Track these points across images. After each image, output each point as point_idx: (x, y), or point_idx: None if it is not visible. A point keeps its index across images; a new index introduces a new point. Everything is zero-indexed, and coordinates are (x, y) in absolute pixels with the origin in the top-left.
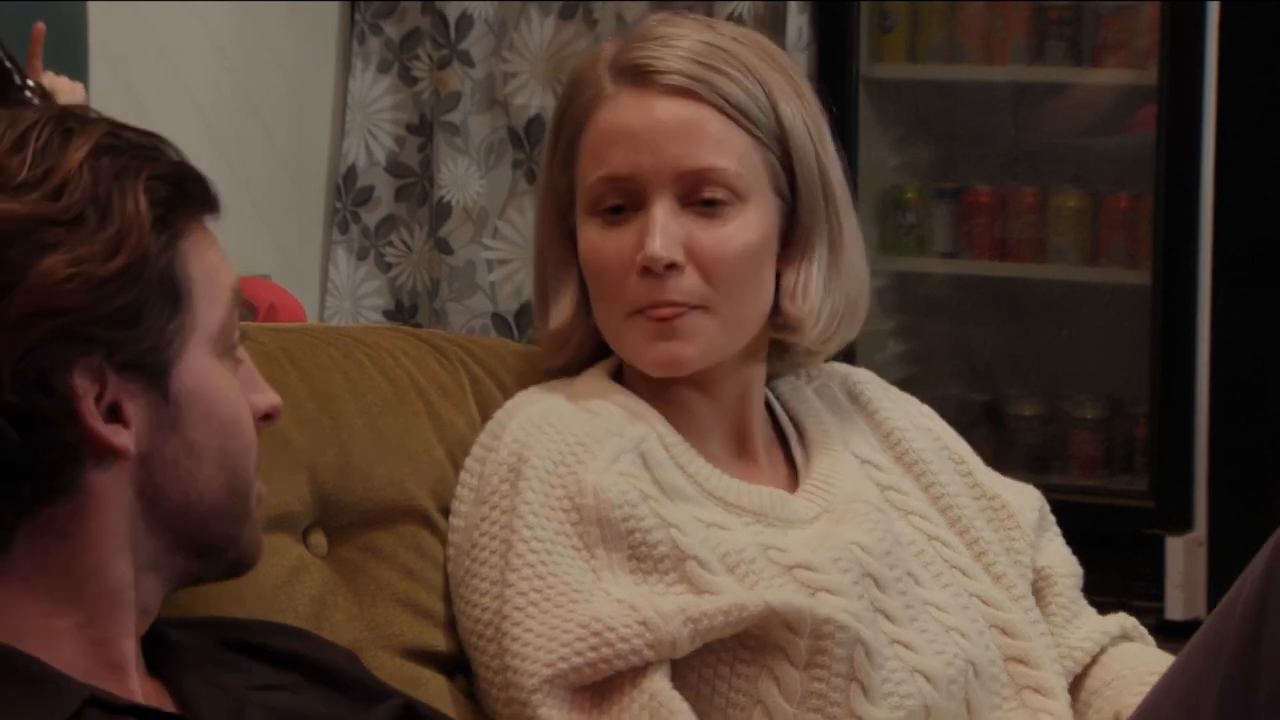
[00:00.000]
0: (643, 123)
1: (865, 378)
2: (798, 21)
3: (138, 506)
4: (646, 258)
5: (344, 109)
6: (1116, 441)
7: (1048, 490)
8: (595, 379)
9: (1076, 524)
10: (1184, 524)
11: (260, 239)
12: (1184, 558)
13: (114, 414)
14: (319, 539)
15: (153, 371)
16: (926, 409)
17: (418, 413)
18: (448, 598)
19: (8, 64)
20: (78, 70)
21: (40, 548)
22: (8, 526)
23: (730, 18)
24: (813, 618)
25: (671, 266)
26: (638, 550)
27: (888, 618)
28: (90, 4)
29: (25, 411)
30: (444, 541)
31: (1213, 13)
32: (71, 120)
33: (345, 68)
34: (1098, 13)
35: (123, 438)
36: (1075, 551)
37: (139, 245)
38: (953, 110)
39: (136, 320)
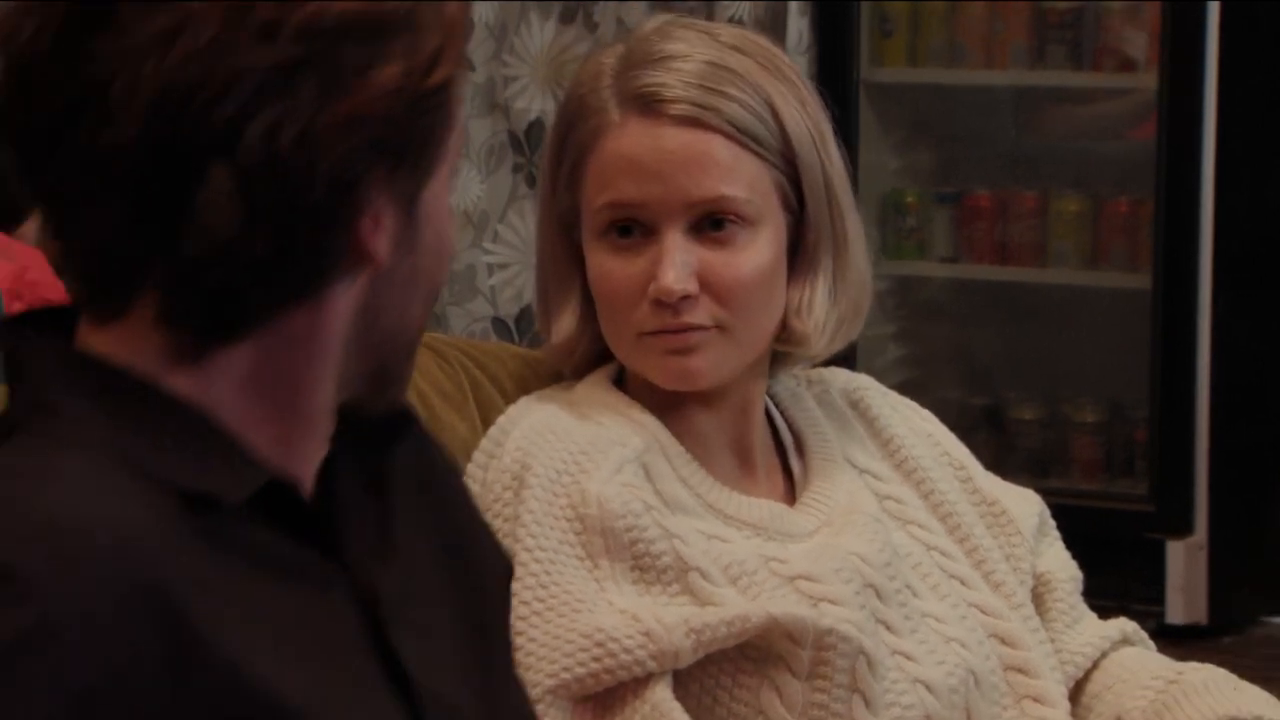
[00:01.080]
0: (651, 154)
1: (866, 384)
2: (798, 24)
3: (356, 328)
4: (660, 290)
5: None
6: (1117, 445)
7: (1048, 494)
8: (597, 386)
9: (1077, 528)
10: (1184, 528)
11: None
12: (1184, 562)
13: (376, 225)
14: None
15: (414, 189)
16: (927, 414)
17: (419, 417)
18: None
19: None
20: None
21: (266, 353)
22: (248, 323)
23: (730, 20)
24: (815, 628)
25: (685, 297)
26: (641, 561)
27: (888, 628)
28: None
29: (318, 209)
30: None
31: (1213, 16)
32: None
33: None
34: (1098, 16)
35: (382, 250)
36: (1075, 555)
37: (455, 61)
38: (953, 114)
39: (430, 139)
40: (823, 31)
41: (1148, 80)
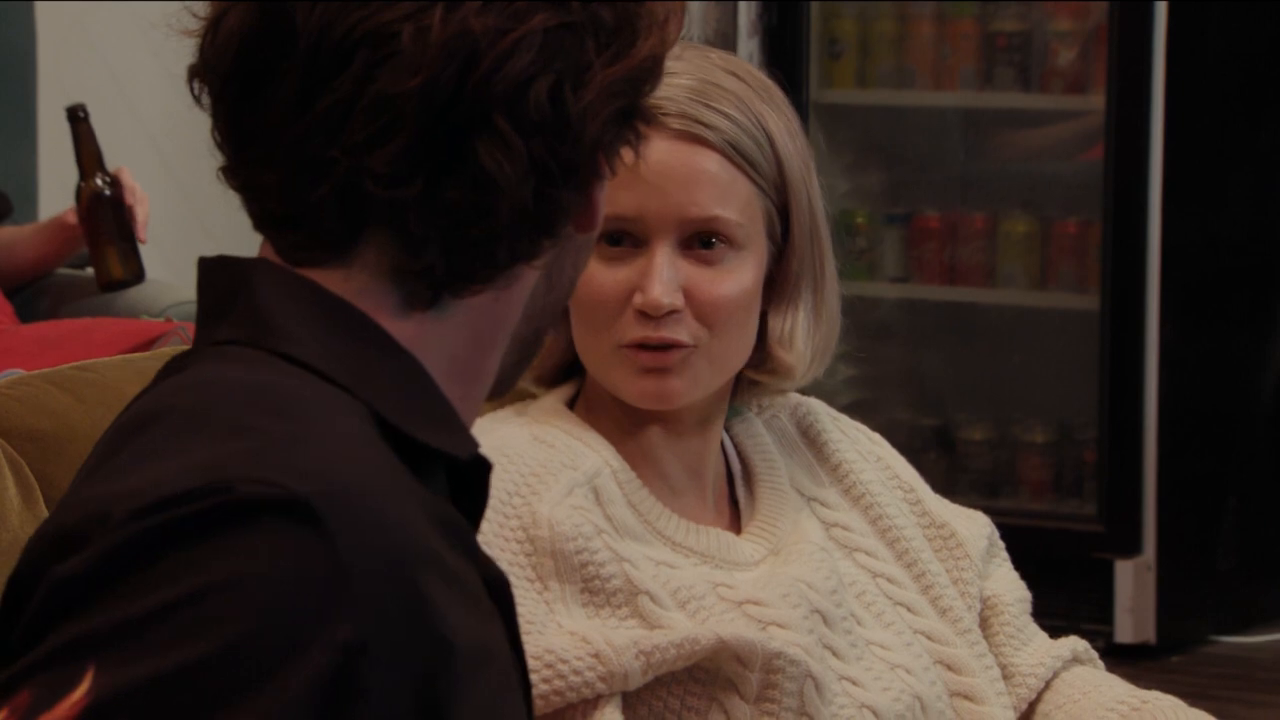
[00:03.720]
0: (650, 166)
1: (814, 407)
2: (748, 46)
3: (537, 290)
4: (647, 303)
5: None
6: (1066, 466)
7: (997, 515)
8: (550, 408)
9: (1026, 548)
10: (1133, 548)
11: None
12: (1133, 581)
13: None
14: None
15: (593, 179)
16: (876, 436)
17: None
18: None
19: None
20: (26, 96)
21: (481, 310)
22: (488, 276)
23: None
24: (764, 651)
25: (671, 312)
26: (591, 584)
27: (834, 654)
28: (40, 30)
29: (579, 170)
30: None
31: (1160, 39)
32: None
33: None
34: (1046, 39)
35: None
36: (1024, 575)
37: (658, 67)
38: (903, 135)
39: (618, 134)
40: (772, 53)
41: (1095, 102)
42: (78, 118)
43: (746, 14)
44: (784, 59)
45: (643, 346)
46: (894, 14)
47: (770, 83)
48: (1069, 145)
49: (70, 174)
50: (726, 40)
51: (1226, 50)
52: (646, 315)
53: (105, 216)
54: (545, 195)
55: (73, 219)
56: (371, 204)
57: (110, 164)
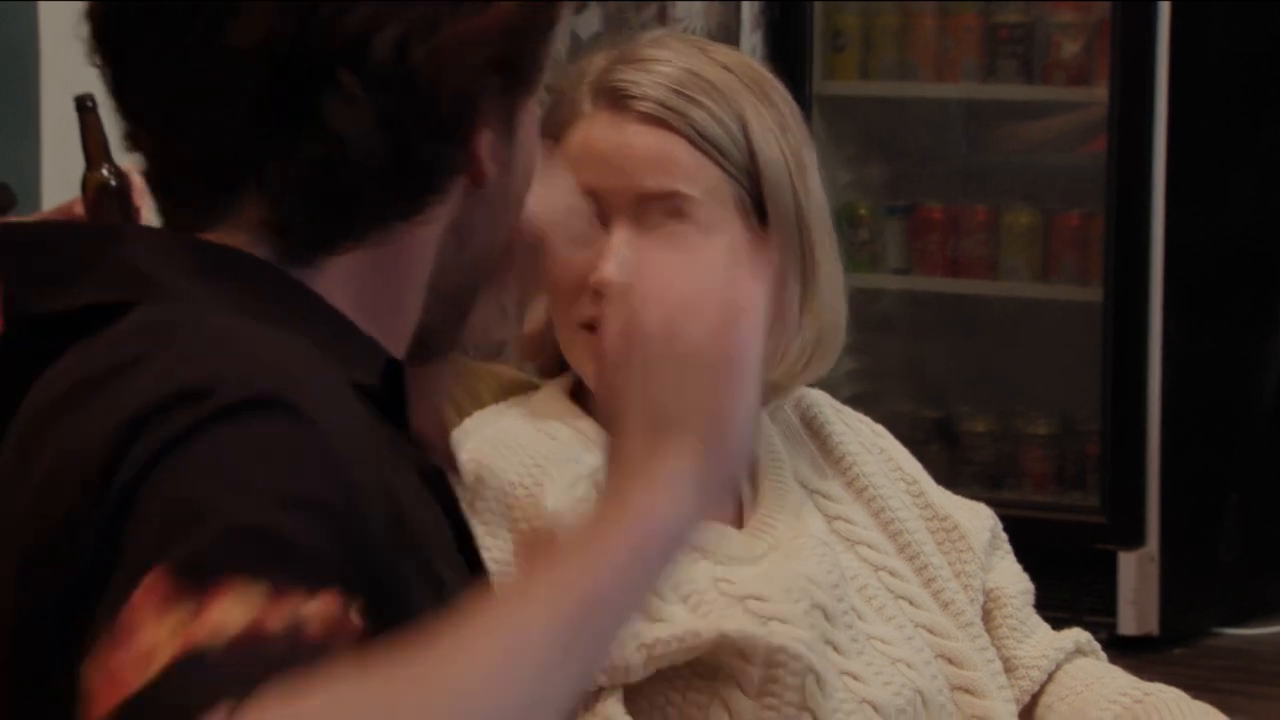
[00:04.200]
0: (613, 146)
1: (817, 399)
2: (750, 40)
3: (448, 246)
4: (599, 281)
5: None
6: (1068, 457)
7: (1000, 506)
8: (553, 399)
9: (1029, 540)
10: (1136, 539)
11: None
12: (1136, 573)
13: (486, 142)
14: None
15: (515, 108)
16: (879, 428)
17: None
18: None
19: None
20: (29, 91)
21: (370, 265)
22: (359, 232)
23: (683, 32)
24: (766, 646)
25: None
26: None
27: (835, 649)
28: (43, 25)
29: (441, 122)
30: None
31: (1163, 31)
32: None
33: None
34: (1049, 31)
35: (491, 168)
36: (1027, 567)
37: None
38: (905, 128)
39: (537, 59)
40: (775, 46)
41: (1098, 94)
42: (86, 107)
43: (749, 8)
44: (787, 52)
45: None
46: (896, 7)
47: (768, 77)
48: (1072, 137)
49: (73, 168)
50: (729, 34)
51: (1230, 42)
52: (600, 295)
53: (111, 207)
54: (406, 150)
55: (79, 209)
56: (234, 162)
57: None
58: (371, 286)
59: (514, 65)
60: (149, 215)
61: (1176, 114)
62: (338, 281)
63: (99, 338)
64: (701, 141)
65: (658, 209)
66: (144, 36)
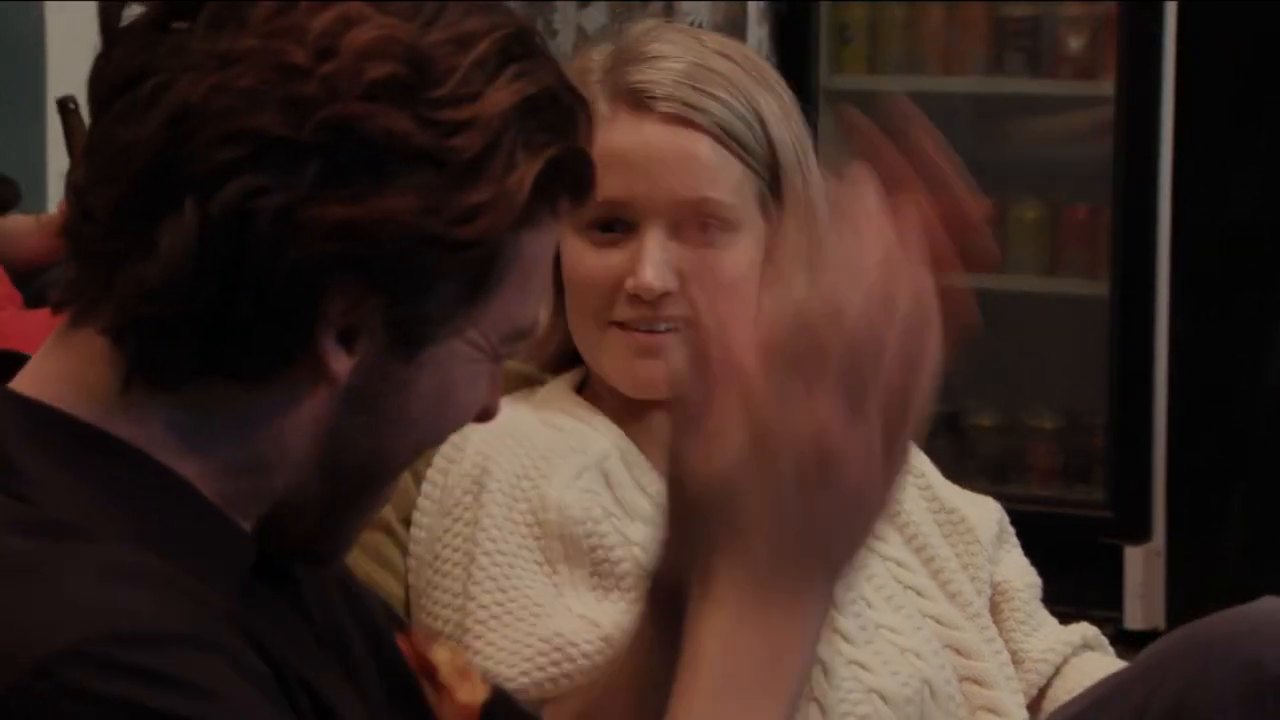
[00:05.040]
0: (639, 149)
1: None
2: (757, 33)
3: (319, 442)
4: (640, 287)
5: None
6: (1075, 452)
7: (1006, 501)
8: (559, 392)
9: (1035, 534)
10: (1142, 534)
11: None
12: (1142, 567)
13: (348, 339)
14: None
15: (409, 338)
16: None
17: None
18: (408, 608)
19: None
20: (35, 88)
21: (203, 416)
22: (179, 375)
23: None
24: None
25: (665, 294)
26: (600, 566)
27: (844, 638)
28: (49, 24)
29: (273, 295)
30: (405, 551)
31: (1170, 24)
32: (521, 48)
33: None
34: (1056, 24)
35: (342, 371)
36: (1034, 562)
37: (493, 228)
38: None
39: (427, 289)
40: (782, 39)
41: (1105, 87)
42: (68, 109)
43: (755, 3)
44: (794, 45)
45: (637, 328)
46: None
47: (764, 64)
48: (1079, 130)
49: None
50: (736, 27)
51: (1237, 35)
52: (639, 299)
53: None
54: (233, 309)
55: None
56: (99, 255)
57: None
58: (210, 434)
59: (388, 276)
60: None
61: (1183, 108)
62: (166, 420)
63: None
64: (725, 138)
65: (688, 213)
66: (105, 104)
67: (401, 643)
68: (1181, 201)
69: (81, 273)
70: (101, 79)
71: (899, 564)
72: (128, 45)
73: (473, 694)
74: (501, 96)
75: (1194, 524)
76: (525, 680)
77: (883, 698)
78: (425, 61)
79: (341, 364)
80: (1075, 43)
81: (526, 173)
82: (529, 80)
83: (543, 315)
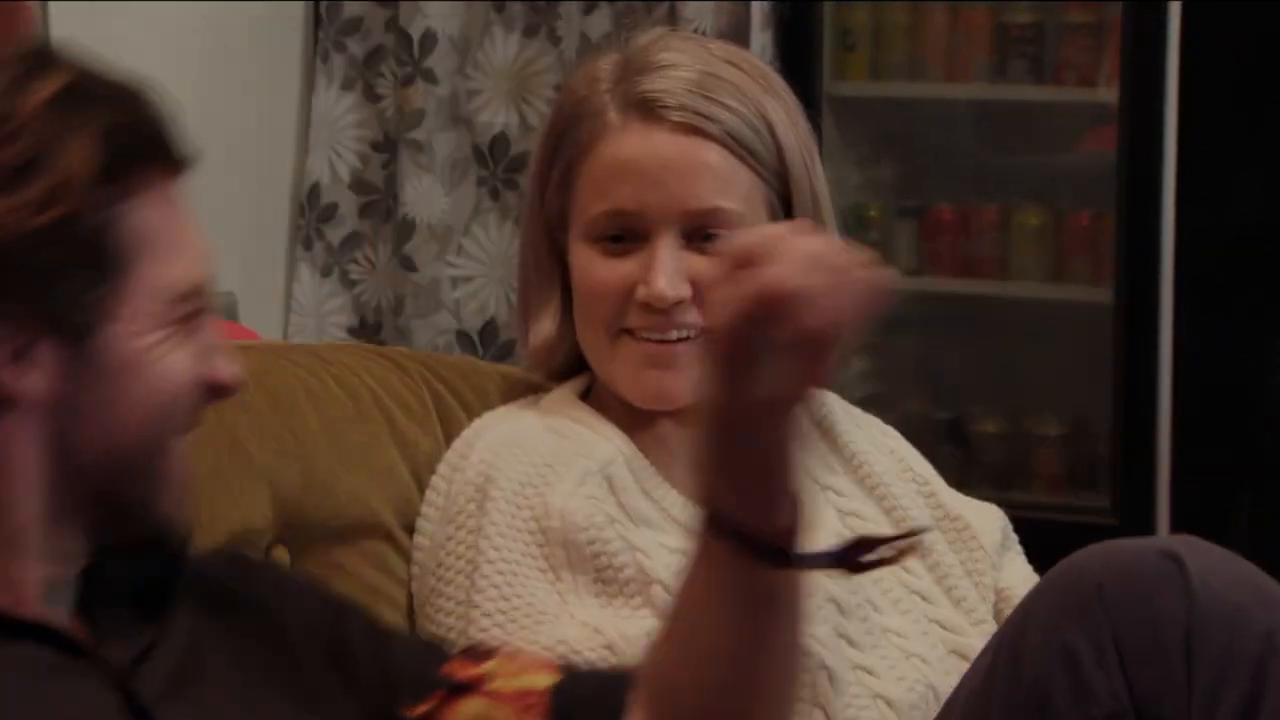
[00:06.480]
0: (650, 159)
1: (826, 399)
2: (760, 39)
3: (50, 454)
4: (652, 295)
5: (308, 126)
6: (1079, 459)
7: (1010, 508)
8: (564, 399)
9: (1040, 541)
10: None
11: (224, 256)
12: None
13: (22, 356)
14: (281, 554)
15: (73, 330)
16: (889, 429)
17: (380, 429)
18: (411, 615)
19: None
20: None
21: None
22: None
23: (694, 32)
24: None
25: (678, 303)
26: (603, 574)
27: (850, 643)
28: (52, 29)
29: None
30: (408, 559)
31: (1173, 31)
32: (42, 60)
33: (309, 85)
34: (1059, 31)
35: (29, 381)
36: (1038, 569)
37: (72, 201)
38: (915, 127)
39: (55, 281)
40: (785, 46)
41: (1108, 94)
42: None
43: (759, 7)
44: (797, 52)
45: (649, 337)
46: (906, 4)
47: (770, 71)
48: (1082, 137)
49: None
50: (739, 34)
51: (1241, 42)
52: (651, 308)
53: None
54: None
55: None
56: None
57: None
58: None
59: (10, 284)
60: None
61: (1186, 115)
62: None
63: None
64: (735, 146)
65: (699, 222)
66: None
67: (447, 667)
68: (1185, 207)
69: None
70: None
71: (905, 569)
72: None
73: (532, 683)
74: (36, 98)
75: (1199, 531)
76: None
77: (888, 703)
78: None
79: (29, 380)
80: (1078, 49)
81: (82, 153)
82: (61, 75)
83: (547, 324)
